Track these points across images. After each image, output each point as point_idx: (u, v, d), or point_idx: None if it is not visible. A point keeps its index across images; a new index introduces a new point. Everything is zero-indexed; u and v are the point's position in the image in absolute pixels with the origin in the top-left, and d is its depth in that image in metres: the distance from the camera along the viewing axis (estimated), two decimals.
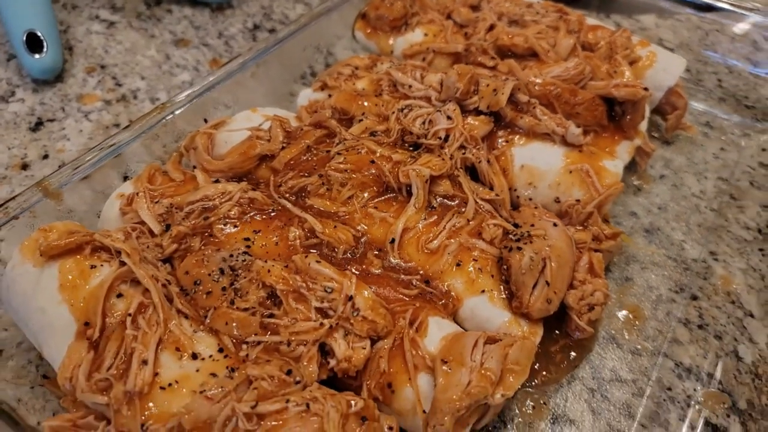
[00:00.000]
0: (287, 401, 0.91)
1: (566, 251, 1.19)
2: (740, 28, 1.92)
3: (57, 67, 1.80)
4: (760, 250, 1.44)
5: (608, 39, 1.66)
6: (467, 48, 1.62)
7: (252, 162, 1.32)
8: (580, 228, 1.30)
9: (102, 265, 1.08)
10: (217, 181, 1.27)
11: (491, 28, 1.67)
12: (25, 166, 1.56)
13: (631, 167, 1.57)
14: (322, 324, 1.04)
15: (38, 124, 1.69)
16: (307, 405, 0.91)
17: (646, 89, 1.46)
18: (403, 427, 1.04)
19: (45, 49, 1.75)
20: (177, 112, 1.41)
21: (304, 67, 1.84)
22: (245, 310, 1.06)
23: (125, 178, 1.37)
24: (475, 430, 1.10)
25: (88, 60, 1.90)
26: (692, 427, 1.15)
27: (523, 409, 1.15)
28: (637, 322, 1.29)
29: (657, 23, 2.15)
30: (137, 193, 1.21)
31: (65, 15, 2.07)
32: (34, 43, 1.76)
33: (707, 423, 1.15)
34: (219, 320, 1.06)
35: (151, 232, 1.18)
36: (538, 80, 1.48)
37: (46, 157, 1.58)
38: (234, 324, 1.05)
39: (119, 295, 1.05)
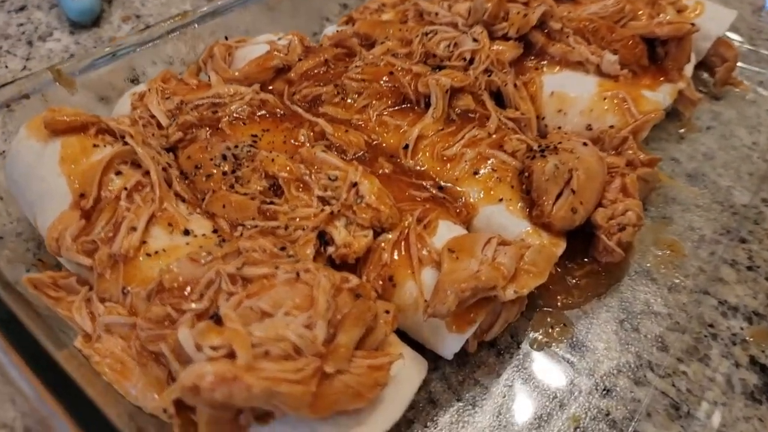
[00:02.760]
0: (276, 268, 0.84)
1: (596, 165, 1.09)
2: None
3: (94, 11, 1.83)
4: None
5: None
6: None
7: (268, 73, 1.28)
8: (613, 153, 1.20)
9: (105, 146, 1.05)
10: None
11: None
12: None
13: (673, 116, 1.46)
14: (323, 210, 0.97)
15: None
16: (298, 274, 0.83)
17: (692, 24, 1.36)
18: (402, 326, 0.95)
19: None
20: (196, 26, 1.39)
21: (334, 7, 1.82)
22: (244, 195, 1.00)
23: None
24: (484, 343, 0.99)
25: (125, 10, 1.94)
26: (737, 365, 1.00)
27: (540, 330, 1.04)
28: (675, 259, 1.17)
29: None
30: (149, 90, 1.19)
31: None
32: None
33: (754, 361, 1.01)
34: (216, 203, 1.00)
35: (159, 125, 1.14)
36: (573, 15, 1.41)
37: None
38: (231, 207, 0.99)
39: (118, 173, 1.01)
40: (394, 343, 0.87)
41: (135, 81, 1.43)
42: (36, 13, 1.91)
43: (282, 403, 0.69)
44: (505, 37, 1.35)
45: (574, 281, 1.09)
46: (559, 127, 1.29)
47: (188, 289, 0.83)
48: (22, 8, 1.95)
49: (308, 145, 1.10)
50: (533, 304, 1.06)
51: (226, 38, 1.40)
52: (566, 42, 1.34)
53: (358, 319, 0.79)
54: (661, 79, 1.41)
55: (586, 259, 1.12)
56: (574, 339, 1.03)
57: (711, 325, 1.06)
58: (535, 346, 1.02)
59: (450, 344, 0.91)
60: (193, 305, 0.81)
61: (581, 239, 1.10)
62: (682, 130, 1.47)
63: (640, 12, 1.49)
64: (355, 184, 0.98)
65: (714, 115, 1.52)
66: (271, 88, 1.29)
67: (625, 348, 1.02)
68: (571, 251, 1.08)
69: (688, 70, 1.44)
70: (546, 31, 1.36)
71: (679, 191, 1.31)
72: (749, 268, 1.16)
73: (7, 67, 1.70)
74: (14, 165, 1.06)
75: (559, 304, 1.06)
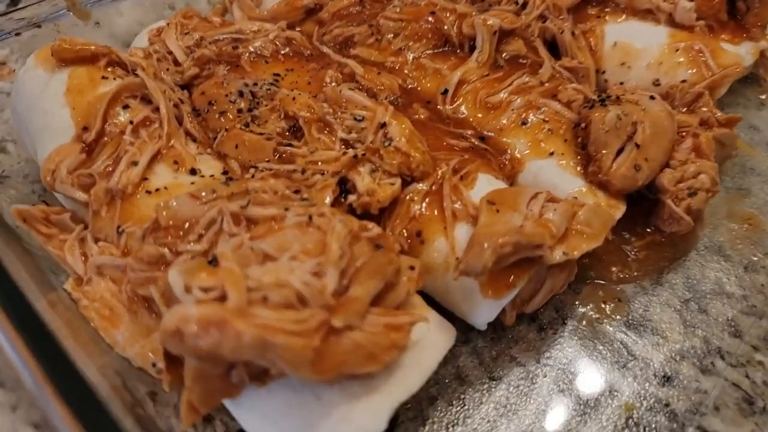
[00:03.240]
0: (287, 209, 0.73)
1: (664, 119, 0.94)
2: None
3: None
4: None
5: None
6: None
7: (298, 13, 1.17)
8: (685, 111, 1.04)
9: (115, 79, 0.96)
10: None
11: None
12: None
13: (753, 81, 1.28)
14: (345, 154, 0.85)
15: None
16: (310, 217, 0.72)
17: None
18: (429, 289, 0.82)
19: None
20: None
21: None
22: (260, 135, 0.90)
23: None
24: (524, 316, 0.86)
25: None
26: None
27: (590, 305, 0.90)
28: (753, 234, 1.00)
29: None
30: (167, 24, 1.09)
31: None
32: None
33: None
34: (229, 142, 0.90)
35: (175, 61, 1.05)
36: None
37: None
38: (245, 147, 0.89)
39: (125, 107, 0.92)
40: (418, 305, 0.75)
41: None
42: None
43: (279, 358, 0.58)
44: None
45: (632, 253, 0.95)
46: (622, 83, 1.13)
47: (187, 228, 0.73)
48: None
49: (334, 85, 0.99)
50: (583, 275, 0.92)
51: None
52: None
53: (376, 271, 0.67)
54: (742, 36, 1.23)
55: (648, 230, 0.97)
56: (630, 317, 0.88)
57: None
58: (584, 322, 0.88)
59: (484, 312, 0.78)
60: (191, 246, 0.71)
61: (643, 207, 0.96)
62: (764, 96, 1.28)
63: None
64: (383, 125, 0.86)
65: None
66: (300, 30, 1.18)
67: (690, 331, 0.88)
68: (630, 221, 0.94)
69: None
70: None
71: (759, 161, 1.13)
72: None
73: None
74: (19, 96, 0.98)
75: (614, 277, 0.92)
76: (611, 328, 0.88)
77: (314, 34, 1.13)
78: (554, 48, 1.15)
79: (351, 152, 0.85)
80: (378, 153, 0.85)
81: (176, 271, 0.63)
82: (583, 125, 0.93)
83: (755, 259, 0.96)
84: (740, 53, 1.10)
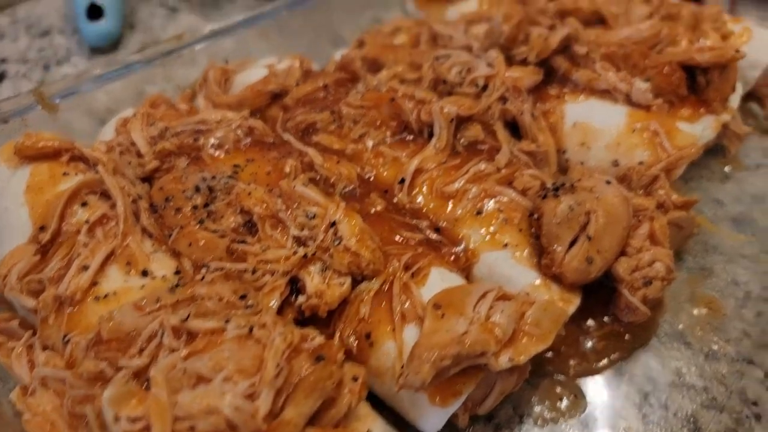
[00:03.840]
0: (227, 321, 0.73)
1: (619, 208, 0.94)
2: None
3: (112, 35, 1.81)
4: None
5: (693, 10, 1.43)
6: (525, 14, 1.45)
7: (264, 99, 1.19)
8: (642, 193, 1.05)
9: (76, 174, 0.98)
10: None
11: None
12: None
13: (718, 152, 1.30)
14: (296, 253, 0.86)
15: None
16: (251, 329, 0.72)
17: (737, 51, 1.20)
18: (378, 391, 0.82)
19: (103, 18, 1.78)
20: (196, 47, 1.33)
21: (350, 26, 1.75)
22: (214, 232, 0.90)
23: None
24: (477, 417, 0.85)
25: (144, 35, 1.92)
26: None
27: (546, 401, 0.89)
28: (714, 320, 1.00)
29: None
30: (134, 115, 1.12)
31: (136, 2, 2.13)
32: (94, 12, 1.79)
33: None
34: (183, 240, 0.90)
35: (139, 153, 1.06)
36: (602, 39, 1.27)
37: None
38: (198, 245, 0.89)
39: (84, 204, 0.93)
40: (363, 415, 0.74)
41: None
42: (58, 38, 1.91)
43: None
44: (525, 62, 1.22)
45: (590, 343, 0.94)
46: (582, 163, 1.14)
47: (129, 341, 0.73)
48: (45, 33, 1.95)
49: (294, 177, 1.00)
50: (540, 368, 0.91)
51: (226, 62, 1.33)
52: (592, 68, 1.20)
53: (314, 388, 0.67)
54: (702, 110, 1.25)
55: (606, 318, 0.97)
56: (586, 415, 0.87)
57: (755, 403, 0.89)
58: (540, 421, 0.87)
59: (432, 419, 0.77)
60: (131, 361, 0.71)
61: (601, 295, 0.95)
62: (727, 168, 1.29)
63: (679, 36, 1.34)
64: (333, 224, 0.87)
65: (765, 152, 1.34)
66: (266, 115, 1.20)
67: (648, 428, 0.86)
68: (588, 307, 0.93)
69: (734, 100, 1.27)
70: (570, 55, 1.22)
71: (722, 238, 1.13)
72: None
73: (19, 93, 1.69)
74: None
75: (571, 371, 0.91)
76: (570, 424, 0.87)
77: (278, 121, 1.14)
78: (515, 128, 1.17)
79: (301, 251, 0.86)
80: (328, 251, 0.86)
81: (108, 398, 0.62)
82: (536, 216, 0.93)
83: (715, 348, 0.95)
84: (696, 133, 1.12)
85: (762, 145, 1.37)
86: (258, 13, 1.45)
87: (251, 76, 1.24)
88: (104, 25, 1.78)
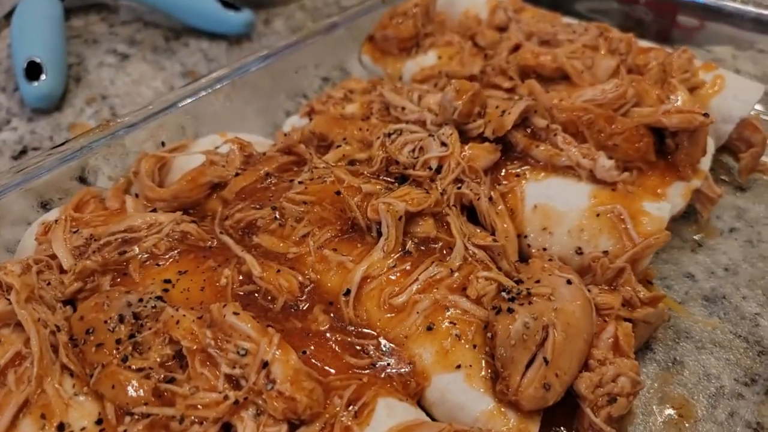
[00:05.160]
0: None
1: (580, 318, 0.88)
2: None
3: (53, 96, 1.71)
4: None
5: (662, 60, 1.36)
6: (483, 70, 1.37)
7: (201, 191, 1.11)
8: (607, 288, 0.98)
9: None
10: (154, 211, 1.07)
11: (516, 48, 1.41)
12: None
13: (690, 217, 1.23)
14: (226, 397, 0.78)
15: (22, 153, 1.59)
16: None
17: (705, 115, 1.13)
18: None
19: (43, 77, 1.68)
20: (129, 133, 1.24)
21: (305, 95, 1.66)
22: (140, 370, 0.83)
23: None
24: None
25: (91, 90, 1.82)
26: None
27: None
28: (685, 424, 0.93)
29: (734, 54, 1.81)
30: (56, 221, 1.03)
31: (83, 49, 2.02)
32: (33, 71, 1.69)
33: None
34: (105, 382, 0.83)
35: (61, 267, 0.98)
36: (565, 103, 1.20)
37: None
38: (122, 388, 0.81)
39: None
40: None
41: (84, 181, 1.28)
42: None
43: None
44: (482, 137, 1.15)
45: None
46: (544, 249, 1.07)
47: None
48: None
49: (231, 297, 0.92)
50: None
51: (163, 144, 1.24)
52: (553, 142, 1.13)
53: None
54: (673, 176, 1.18)
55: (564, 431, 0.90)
56: None
57: None
58: None
59: None
60: None
61: (566, 403, 0.89)
62: (699, 236, 1.23)
63: (647, 93, 1.27)
64: (266, 364, 0.79)
65: (738, 213, 1.28)
66: (206, 206, 1.12)
67: None
68: (548, 420, 0.87)
69: (705, 163, 1.21)
70: (529, 128, 1.15)
71: (693, 322, 1.07)
72: None
73: None
74: None
75: None
76: None
77: (216, 217, 1.06)
78: (473, 211, 1.10)
79: (232, 396, 0.78)
80: (262, 395, 0.78)
81: None
82: (489, 335, 0.86)
83: None
84: (663, 215, 1.05)
85: (735, 203, 1.31)
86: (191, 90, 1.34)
87: (191, 162, 1.16)
88: (44, 85, 1.69)
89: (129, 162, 1.27)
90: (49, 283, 0.95)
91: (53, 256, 0.99)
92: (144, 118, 1.27)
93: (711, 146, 1.23)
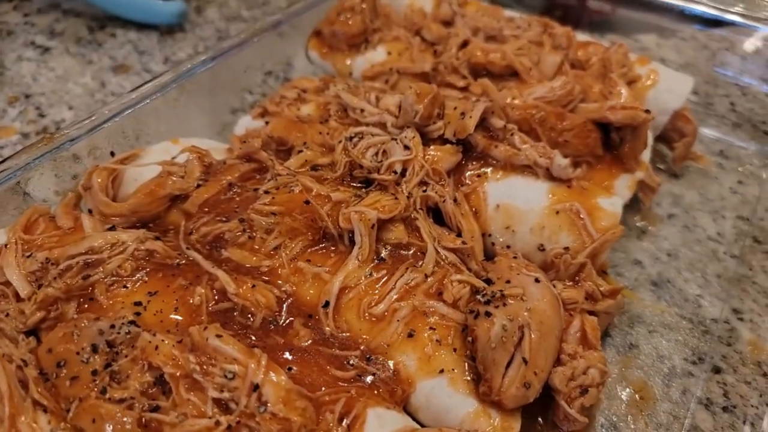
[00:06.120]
0: None
1: (551, 316, 0.93)
2: (753, 44, 1.68)
3: None
4: None
5: (601, 55, 1.43)
6: (435, 67, 1.39)
7: (160, 204, 1.07)
8: (570, 284, 1.04)
9: None
10: (112, 229, 1.02)
11: (464, 44, 1.44)
12: None
13: (633, 205, 1.31)
14: (218, 423, 0.77)
15: None
16: None
17: (647, 112, 1.21)
18: None
19: None
20: (73, 143, 1.17)
21: (249, 91, 1.62)
22: (121, 401, 0.80)
23: None
24: None
25: (12, 89, 1.68)
26: None
27: None
28: (645, 405, 1.01)
29: (658, 43, 1.92)
30: (6, 245, 0.96)
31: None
32: None
33: None
34: (84, 416, 0.79)
35: (17, 295, 0.92)
36: (518, 102, 1.24)
37: None
38: (104, 421, 0.78)
39: None
40: None
41: (27, 195, 1.18)
42: None
43: None
44: (442, 138, 1.16)
45: None
46: (509, 246, 1.12)
47: None
48: None
49: (206, 316, 0.90)
50: None
51: (112, 154, 1.17)
52: (511, 141, 1.16)
53: None
54: (619, 168, 1.26)
55: (542, 421, 0.96)
56: None
57: None
58: None
59: None
60: None
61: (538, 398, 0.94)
62: (642, 223, 1.32)
63: (591, 88, 1.34)
64: (257, 387, 0.78)
65: (675, 199, 1.38)
66: (166, 220, 1.07)
67: None
68: (527, 413, 0.92)
69: (646, 154, 1.29)
70: (486, 129, 1.18)
71: (644, 307, 1.16)
72: (725, 409, 1.01)
73: None
74: None
75: None
76: None
77: (181, 233, 1.02)
78: (438, 213, 1.12)
79: (224, 422, 0.77)
80: (254, 418, 0.78)
81: None
82: (470, 339, 0.90)
83: None
84: (616, 210, 1.11)
85: (671, 190, 1.41)
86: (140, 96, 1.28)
87: (145, 173, 1.10)
88: None
89: (74, 172, 1.20)
90: (7, 314, 0.89)
91: (7, 283, 0.92)
92: (89, 129, 1.19)
93: (650, 138, 1.31)
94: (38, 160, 1.13)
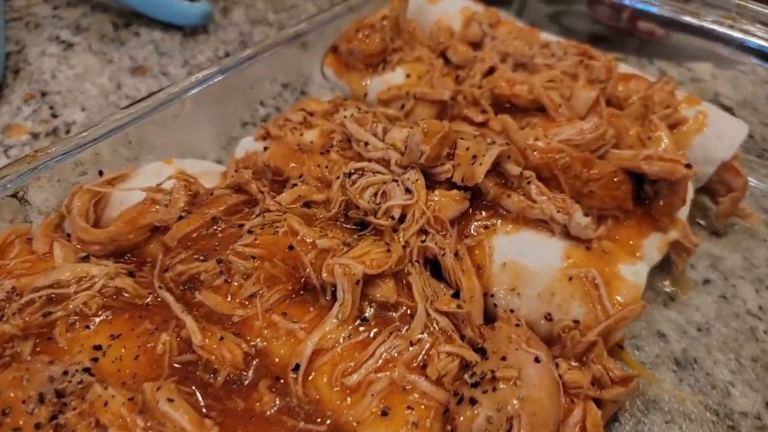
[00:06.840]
0: None
1: (547, 405, 0.82)
2: None
3: None
4: None
5: (644, 92, 1.28)
6: (454, 96, 1.28)
7: (140, 233, 1.00)
8: (576, 364, 0.92)
9: None
10: (86, 258, 0.96)
11: (490, 71, 1.32)
12: None
13: (664, 267, 1.18)
14: None
15: None
16: None
17: (688, 166, 1.07)
18: None
19: None
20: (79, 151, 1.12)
21: (263, 103, 1.55)
22: None
23: None
24: None
25: (30, 86, 1.66)
26: None
27: None
28: None
29: (714, 74, 1.75)
30: None
31: (24, 34, 1.84)
32: None
33: None
34: None
35: None
36: (540, 144, 1.12)
37: None
38: None
39: None
40: None
41: (23, 201, 1.15)
42: None
43: None
44: (450, 183, 1.06)
45: None
46: (512, 310, 1.01)
47: None
48: None
49: (166, 368, 0.83)
50: None
51: (101, 173, 1.12)
52: (526, 191, 1.05)
53: None
54: (648, 227, 1.12)
55: None
56: None
57: None
58: None
59: None
60: None
61: None
62: (672, 289, 1.18)
63: (627, 131, 1.20)
64: None
65: (713, 262, 1.24)
66: (145, 250, 1.01)
67: None
68: None
69: (684, 211, 1.15)
70: (500, 174, 1.06)
71: (663, 391, 1.03)
72: None
73: None
74: None
75: None
76: None
77: (156, 268, 0.96)
78: (437, 266, 1.02)
79: None
80: None
81: None
82: (449, 428, 0.79)
83: None
84: (640, 281, 0.98)
85: (711, 251, 1.26)
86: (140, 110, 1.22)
87: (131, 197, 1.04)
88: None
89: (76, 180, 1.15)
90: None
91: None
92: (93, 139, 1.14)
93: (690, 192, 1.17)
94: (35, 171, 1.08)
